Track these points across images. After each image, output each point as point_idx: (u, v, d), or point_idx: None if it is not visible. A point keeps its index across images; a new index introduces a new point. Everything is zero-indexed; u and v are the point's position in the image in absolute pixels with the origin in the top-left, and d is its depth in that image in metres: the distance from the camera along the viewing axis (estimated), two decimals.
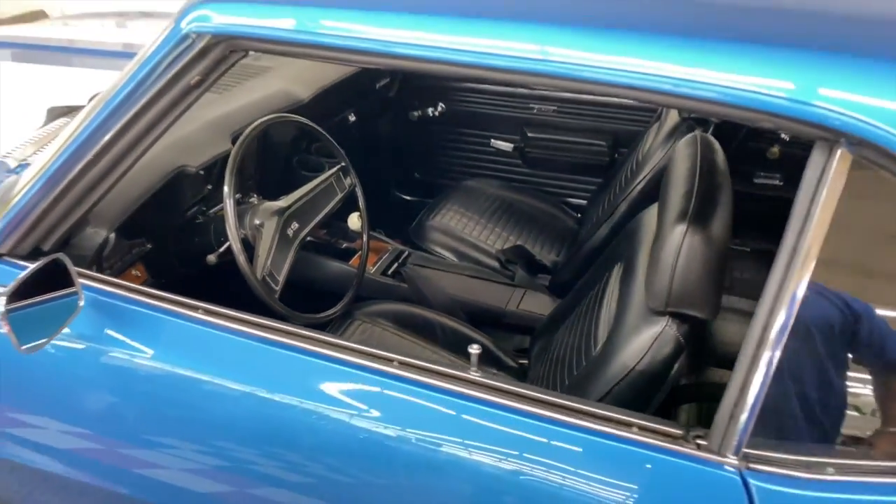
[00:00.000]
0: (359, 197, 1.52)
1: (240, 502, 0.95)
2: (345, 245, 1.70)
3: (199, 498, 0.96)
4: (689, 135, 1.19)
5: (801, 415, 0.78)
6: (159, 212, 1.26)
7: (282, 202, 1.33)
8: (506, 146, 2.25)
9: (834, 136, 0.69)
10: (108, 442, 1.00)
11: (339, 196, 1.45)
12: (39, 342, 0.91)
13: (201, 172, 1.33)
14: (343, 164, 1.48)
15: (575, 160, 2.18)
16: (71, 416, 1.02)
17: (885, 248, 0.78)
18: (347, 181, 1.49)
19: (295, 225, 1.33)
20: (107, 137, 0.97)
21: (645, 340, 0.93)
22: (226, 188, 1.19)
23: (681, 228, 0.90)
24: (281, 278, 1.24)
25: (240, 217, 1.23)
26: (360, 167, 1.55)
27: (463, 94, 2.26)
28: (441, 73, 1.05)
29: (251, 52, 0.95)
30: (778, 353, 0.72)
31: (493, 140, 2.27)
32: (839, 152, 0.69)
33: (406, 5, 0.87)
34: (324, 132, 1.45)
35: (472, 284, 1.68)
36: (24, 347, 0.88)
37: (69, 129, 1.01)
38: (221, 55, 0.91)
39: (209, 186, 1.38)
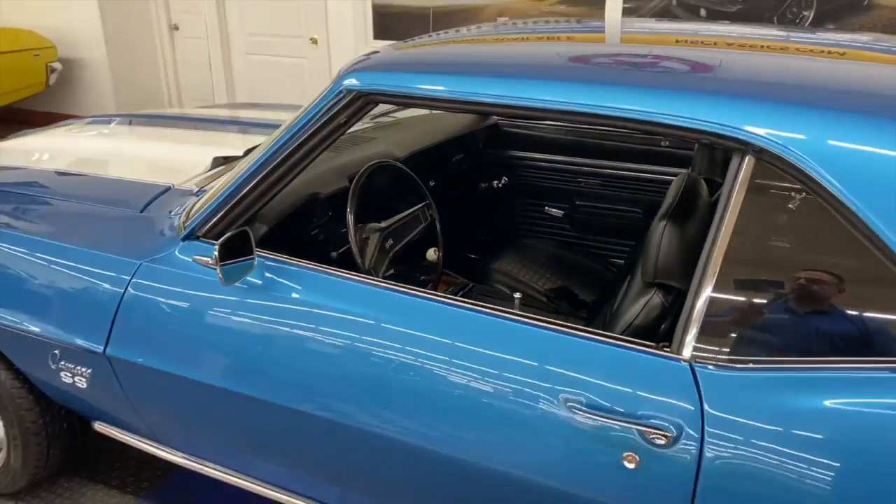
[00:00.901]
0: (437, 233, 1.98)
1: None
2: (422, 277, 2.14)
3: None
4: (682, 174, 1.61)
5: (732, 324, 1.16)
6: (296, 221, 1.74)
7: (382, 224, 1.80)
8: (557, 212, 2.71)
9: (744, 146, 1.11)
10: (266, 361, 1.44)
11: (423, 225, 1.92)
12: (235, 282, 1.38)
13: (325, 199, 1.83)
14: (427, 201, 1.96)
15: (615, 224, 2.61)
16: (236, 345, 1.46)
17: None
18: (430, 214, 1.96)
19: (391, 241, 1.80)
20: (278, 159, 1.46)
21: (639, 305, 1.33)
22: (349, 209, 1.67)
23: (663, 222, 1.32)
24: (379, 276, 1.69)
25: (354, 233, 1.71)
26: None
27: (523, 169, 2.74)
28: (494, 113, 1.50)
29: (380, 105, 1.44)
30: (710, 289, 1.12)
31: (546, 207, 2.73)
32: (747, 158, 1.11)
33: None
34: (414, 175, 1.95)
35: (522, 310, 2.09)
36: (226, 284, 1.36)
37: (252, 156, 1.52)
38: (362, 105, 1.41)
39: (330, 213, 1.87)
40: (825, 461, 1.02)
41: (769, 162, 1.10)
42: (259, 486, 1.65)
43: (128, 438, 1.86)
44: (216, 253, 1.35)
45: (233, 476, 1.69)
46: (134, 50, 6.16)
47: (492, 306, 1.29)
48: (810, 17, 3.95)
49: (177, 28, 6.12)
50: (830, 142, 1.07)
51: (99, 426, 1.91)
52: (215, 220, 1.50)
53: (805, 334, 1.11)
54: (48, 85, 5.98)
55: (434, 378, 1.26)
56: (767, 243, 1.14)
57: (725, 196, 1.13)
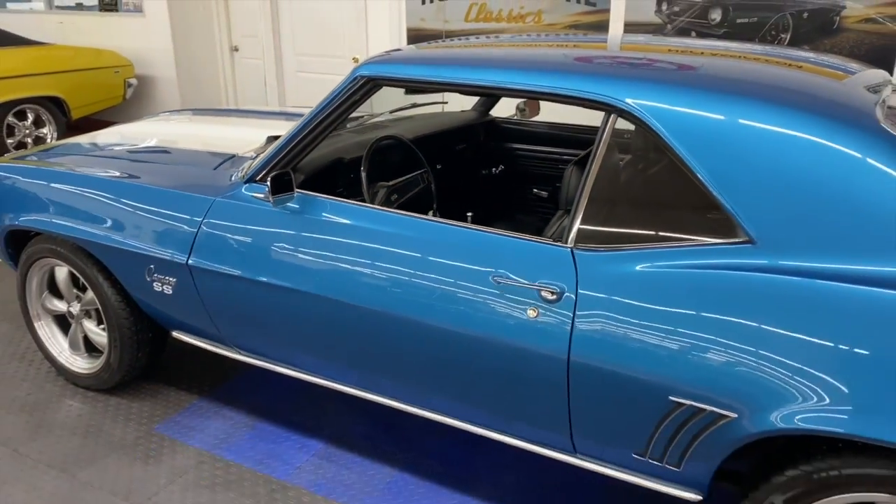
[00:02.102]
0: (433, 193, 2.59)
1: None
2: None
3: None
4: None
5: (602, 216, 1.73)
6: (325, 178, 2.38)
7: (390, 183, 2.42)
8: (543, 193, 3.30)
9: (610, 109, 1.70)
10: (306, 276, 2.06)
11: (421, 186, 2.54)
12: (284, 205, 2.02)
13: (347, 163, 2.46)
14: (426, 168, 2.58)
15: None
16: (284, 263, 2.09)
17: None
18: (427, 178, 2.58)
19: (395, 196, 2.42)
20: (311, 125, 2.09)
21: (555, 222, 1.91)
22: (362, 168, 2.30)
23: (569, 170, 1.91)
24: None
25: (368, 187, 2.33)
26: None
27: (516, 159, 3.35)
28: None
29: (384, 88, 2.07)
30: (585, 203, 1.70)
31: (534, 189, 3.32)
32: (612, 116, 1.70)
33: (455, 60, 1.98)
34: (415, 149, 2.57)
35: None
36: (275, 207, 2.01)
37: (294, 124, 2.16)
38: (370, 87, 2.03)
39: (352, 175, 2.50)
40: (643, 305, 1.59)
41: (627, 119, 1.69)
42: (305, 374, 2.27)
43: (199, 342, 2.51)
44: (269, 185, 2.00)
45: (281, 367, 2.32)
46: (199, 69, 6.99)
47: (453, 221, 1.90)
48: (787, 39, 4.48)
49: (237, 49, 6.92)
50: (664, 105, 1.65)
51: (176, 334, 2.57)
52: (268, 167, 2.15)
53: (638, 229, 1.68)
54: (125, 99, 6.82)
55: (417, 264, 1.87)
56: (622, 172, 1.73)
57: (598, 141, 1.72)
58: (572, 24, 5.12)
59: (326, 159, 2.41)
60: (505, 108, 3.50)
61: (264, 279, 2.09)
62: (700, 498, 1.73)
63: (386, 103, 3.15)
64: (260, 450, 2.43)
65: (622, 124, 1.72)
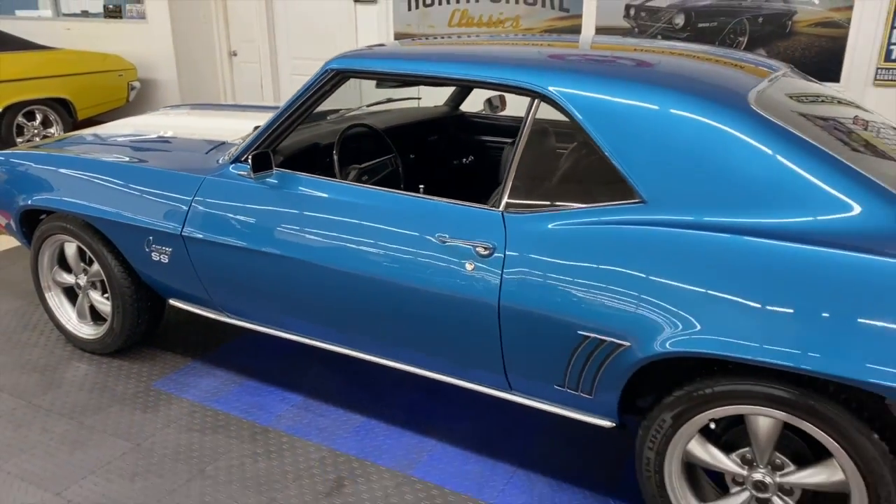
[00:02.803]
0: (400, 175, 2.92)
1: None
2: None
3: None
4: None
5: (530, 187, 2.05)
6: (303, 161, 2.70)
7: (361, 165, 2.74)
8: None
9: (535, 95, 2.02)
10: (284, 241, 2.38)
11: (390, 169, 2.86)
12: (264, 181, 2.34)
13: (323, 147, 2.78)
14: (394, 153, 2.90)
15: None
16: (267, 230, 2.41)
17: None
18: (395, 162, 2.91)
19: (366, 177, 2.74)
20: (288, 112, 2.42)
21: (496, 193, 2.23)
22: (335, 151, 2.62)
23: (504, 150, 2.23)
24: None
25: (340, 168, 2.65)
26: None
27: (484, 150, 3.67)
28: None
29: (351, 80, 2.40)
30: (513, 173, 2.02)
31: (500, 177, 3.64)
32: (536, 101, 2.02)
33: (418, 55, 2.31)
34: (384, 136, 2.90)
35: None
36: (255, 181, 2.33)
37: (273, 114, 2.49)
38: (338, 80, 2.36)
39: (327, 159, 2.82)
40: (555, 255, 1.90)
41: (549, 103, 2.01)
42: (285, 333, 2.59)
43: (193, 308, 2.83)
44: (250, 162, 2.32)
45: (264, 327, 2.63)
46: (199, 72, 7.34)
47: (408, 192, 2.22)
48: (745, 43, 4.81)
49: (235, 54, 7.27)
50: (578, 92, 1.97)
51: (173, 301, 2.89)
52: (251, 149, 2.47)
53: (554, 194, 2.00)
54: (128, 101, 7.17)
55: (377, 229, 2.18)
56: (543, 148, 2.05)
57: (524, 123, 2.04)
58: (547, 29, 5.45)
59: (305, 144, 2.73)
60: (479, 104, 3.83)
61: (246, 245, 2.41)
62: (612, 424, 2.04)
63: (372, 98, 3.47)
64: (245, 401, 2.75)
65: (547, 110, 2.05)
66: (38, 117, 6.43)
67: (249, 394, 2.80)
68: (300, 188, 2.36)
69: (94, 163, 2.81)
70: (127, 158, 2.82)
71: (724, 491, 1.92)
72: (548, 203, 2.00)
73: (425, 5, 5.85)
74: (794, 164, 1.74)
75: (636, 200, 1.86)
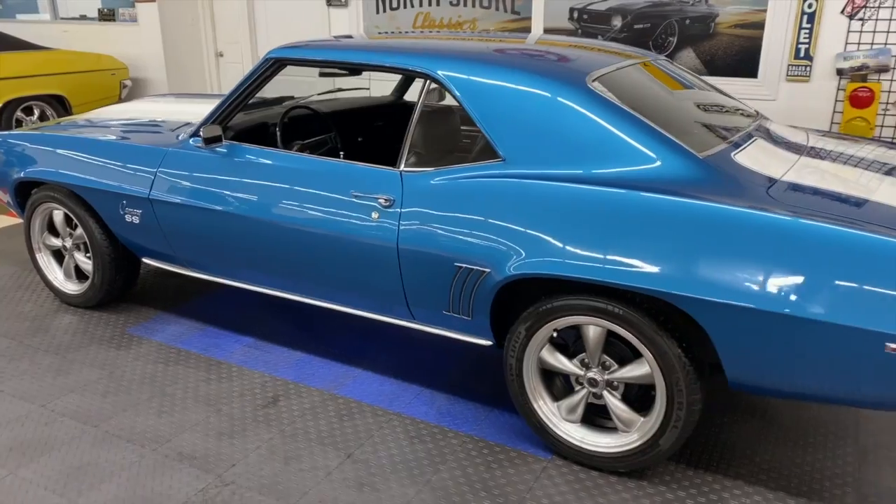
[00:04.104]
0: (339, 153, 3.41)
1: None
2: None
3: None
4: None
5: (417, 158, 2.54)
6: (252, 137, 3.19)
7: (304, 142, 3.23)
8: None
9: (426, 77, 2.51)
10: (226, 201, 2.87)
11: (329, 146, 3.36)
12: (215, 150, 2.84)
13: (270, 126, 3.28)
14: (333, 132, 3.40)
15: None
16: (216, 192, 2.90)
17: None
18: (335, 139, 3.40)
19: (307, 151, 3.23)
20: (235, 94, 2.91)
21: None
22: (278, 128, 3.11)
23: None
24: None
25: (283, 143, 3.14)
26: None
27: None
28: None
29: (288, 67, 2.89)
30: (410, 141, 2.51)
31: None
32: (427, 82, 2.51)
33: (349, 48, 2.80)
34: (326, 117, 3.39)
35: None
36: (208, 149, 2.82)
37: (225, 95, 2.98)
38: (277, 67, 2.85)
39: (272, 138, 3.31)
40: (437, 204, 2.39)
41: (436, 84, 2.50)
42: (241, 283, 3.07)
43: (162, 265, 3.32)
44: (202, 134, 2.82)
45: (219, 277, 3.12)
46: (188, 72, 7.84)
47: (329, 158, 2.71)
48: (675, 42, 5.30)
49: (221, 55, 7.77)
50: (458, 74, 2.46)
51: (146, 259, 3.38)
52: (205, 125, 2.97)
53: (439, 156, 2.49)
54: (121, 98, 7.67)
55: (304, 188, 2.67)
56: (433, 122, 2.54)
57: (418, 99, 2.53)
58: (501, 30, 5.95)
59: (255, 122, 3.23)
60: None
61: (201, 205, 2.90)
62: (490, 343, 2.52)
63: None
64: (205, 342, 3.23)
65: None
66: (36, 112, 6.94)
67: (209, 336, 3.29)
68: (245, 156, 2.86)
69: (78, 140, 3.31)
70: (107, 136, 3.31)
71: (571, 390, 2.40)
72: (434, 163, 2.49)
73: (392, 8, 6.35)
74: (613, 127, 2.23)
75: (497, 159, 2.35)
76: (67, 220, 3.52)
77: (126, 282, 3.52)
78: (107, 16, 8.08)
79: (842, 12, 4.73)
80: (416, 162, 2.52)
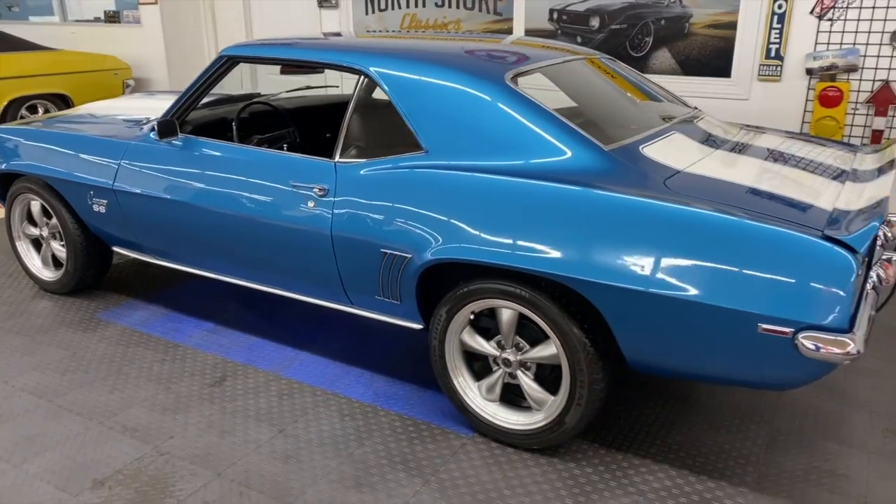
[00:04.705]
0: (298, 146, 3.56)
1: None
2: None
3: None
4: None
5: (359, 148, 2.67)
6: (213, 131, 3.35)
7: (263, 136, 3.38)
8: None
9: (360, 73, 2.65)
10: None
11: (287, 140, 3.51)
12: (171, 143, 3.00)
13: (230, 121, 3.44)
14: (292, 127, 3.54)
15: None
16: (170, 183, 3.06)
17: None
18: (293, 134, 3.55)
19: (266, 145, 3.38)
20: (191, 91, 3.07)
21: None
22: (234, 122, 3.27)
23: None
24: None
25: (242, 137, 3.29)
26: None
27: None
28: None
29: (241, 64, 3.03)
30: (344, 134, 2.65)
31: None
32: (362, 77, 2.65)
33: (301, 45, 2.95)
34: (283, 112, 3.54)
35: None
36: (163, 142, 2.98)
37: (182, 92, 3.15)
38: (230, 64, 3.01)
39: (241, 130, 3.47)
40: (364, 194, 2.52)
41: (368, 79, 2.64)
42: (196, 270, 3.23)
43: (131, 253, 3.49)
44: (156, 128, 2.98)
45: (182, 266, 3.28)
46: (189, 72, 8.06)
47: (273, 150, 2.85)
48: (650, 43, 5.39)
49: None
50: (387, 71, 2.59)
51: (116, 248, 3.55)
52: (160, 119, 3.13)
53: (369, 148, 2.62)
54: None
55: (250, 178, 2.82)
56: (366, 116, 2.67)
57: (353, 95, 2.67)
58: (484, 31, 6.08)
59: (216, 117, 3.39)
60: None
61: (157, 195, 3.07)
62: (420, 327, 2.64)
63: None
64: (167, 327, 3.40)
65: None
66: (40, 110, 7.18)
67: (172, 321, 3.45)
68: (197, 149, 3.01)
69: (52, 134, 3.50)
70: (79, 130, 3.49)
71: (490, 370, 2.52)
72: (366, 155, 2.63)
73: (380, 10, 6.50)
74: (527, 121, 2.35)
75: (420, 151, 2.48)
76: (44, 210, 3.70)
77: (98, 270, 3.70)
78: (112, 18, 8.33)
79: (811, 13, 4.79)
80: (349, 154, 2.66)
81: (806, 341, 1.85)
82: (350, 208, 2.56)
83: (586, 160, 2.29)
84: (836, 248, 1.86)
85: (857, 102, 4.81)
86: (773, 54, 4.96)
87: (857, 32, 4.69)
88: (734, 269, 1.93)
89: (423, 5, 6.27)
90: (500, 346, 2.44)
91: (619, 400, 2.75)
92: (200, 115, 3.33)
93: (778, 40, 4.92)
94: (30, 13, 9.30)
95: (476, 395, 2.52)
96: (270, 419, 2.64)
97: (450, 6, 6.16)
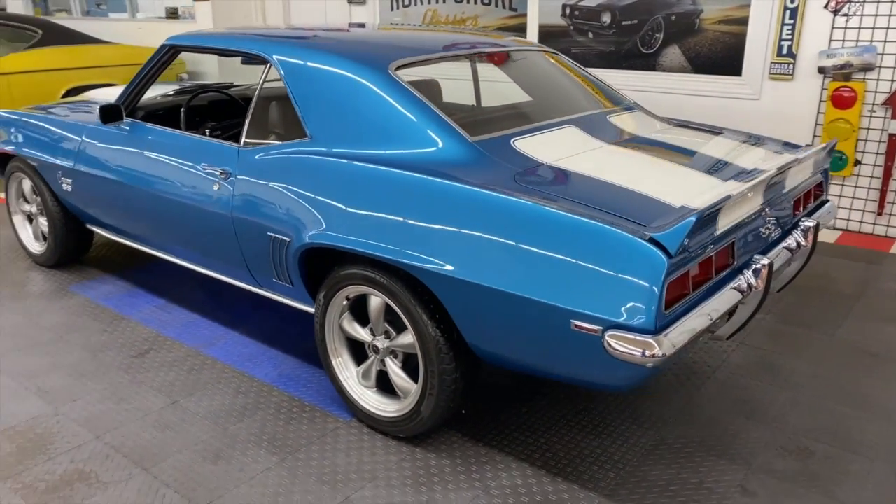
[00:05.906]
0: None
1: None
2: None
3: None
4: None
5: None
6: (165, 119, 3.51)
7: (213, 124, 3.52)
8: None
9: (265, 61, 2.72)
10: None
11: (239, 128, 3.63)
12: (118, 127, 3.18)
13: (182, 109, 3.59)
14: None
15: None
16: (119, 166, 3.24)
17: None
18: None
19: (218, 132, 3.52)
20: (137, 79, 3.24)
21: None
22: (182, 109, 3.42)
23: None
24: None
25: (192, 124, 3.44)
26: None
27: None
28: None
29: (182, 53, 3.18)
30: (249, 119, 2.73)
31: None
32: (268, 65, 2.72)
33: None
34: (237, 100, 3.67)
35: None
36: (112, 128, 3.17)
37: (134, 77, 3.32)
38: (173, 53, 3.15)
39: (197, 118, 3.62)
40: (258, 177, 2.58)
41: (274, 67, 2.71)
42: (155, 252, 3.41)
43: (102, 232, 3.71)
44: (100, 114, 3.16)
45: (136, 244, 3.47)
46: (237, 65, 8.39)
47: (193, 134, 2.97)
48: (661, 38, 5.20)
49: None
50: (285, 58, 2.65)
51: (88, 226, 3.79)
52: (106, 105, 3.31)
53: (268, 134, 2.68)
54: None
55: (171, 159, 2.96)
56: (269, 102, 2.74)
57: (259, 82, 2.75)
58: (500, 27, 6.04)
59: (168, 107, 3.56)
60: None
61: (105, 175, 3.25)
62: (312, 310, 2.69)
63: None
64: (124, 301, 3.60)
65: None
66: None
67: (130, 296, 3.65)
68: (139, 133, 3.18)
69: (34, 117, 3.77)
70: (61, 116, 3.75)
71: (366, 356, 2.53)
72: (263, 140, 2.70)
73: (404, 6, 6.58)
74: (405, 110, 2.36)
75: (304, 137, 2.53)
76: (34, 188, 3.99)
77: (77, 245, 3.95)
78: (172, 14, 8.80)
79: (825, 7, 4.50)
80: (252, 138, 2.73)
81: (612, 340, 1.77)
82: (245, 191, 2.64)
83: (452, 151, 2.28)
84: (647, 245, 1.77)
85: (873, 104, 4.47)
86: (784, 51, 4.69)
87: (874, 29, 4.36)
88: (551, 262, 1.87)
89: (444, 1, 6.29)
90: (373, 333, 2.45)
91: (519, 396, 2.70)
92: (160, 103, 3.49)
93: (790, 37, 4.65)
94: (111, 10, 9.97)
95: (353, 381, 2.54)
96: (171, 391, 2.76)
97: (468, 2, 6.16)
